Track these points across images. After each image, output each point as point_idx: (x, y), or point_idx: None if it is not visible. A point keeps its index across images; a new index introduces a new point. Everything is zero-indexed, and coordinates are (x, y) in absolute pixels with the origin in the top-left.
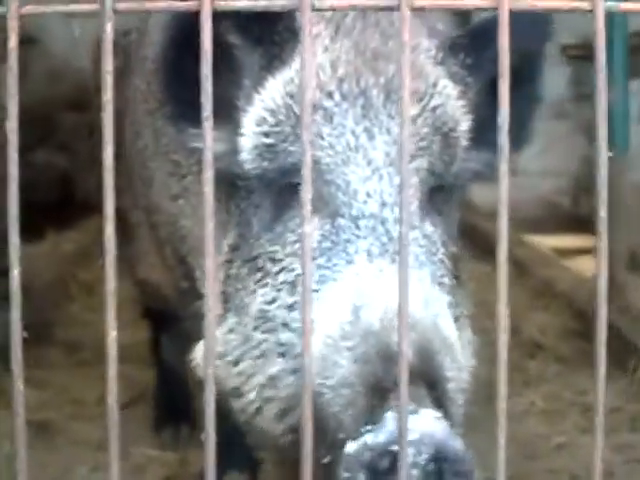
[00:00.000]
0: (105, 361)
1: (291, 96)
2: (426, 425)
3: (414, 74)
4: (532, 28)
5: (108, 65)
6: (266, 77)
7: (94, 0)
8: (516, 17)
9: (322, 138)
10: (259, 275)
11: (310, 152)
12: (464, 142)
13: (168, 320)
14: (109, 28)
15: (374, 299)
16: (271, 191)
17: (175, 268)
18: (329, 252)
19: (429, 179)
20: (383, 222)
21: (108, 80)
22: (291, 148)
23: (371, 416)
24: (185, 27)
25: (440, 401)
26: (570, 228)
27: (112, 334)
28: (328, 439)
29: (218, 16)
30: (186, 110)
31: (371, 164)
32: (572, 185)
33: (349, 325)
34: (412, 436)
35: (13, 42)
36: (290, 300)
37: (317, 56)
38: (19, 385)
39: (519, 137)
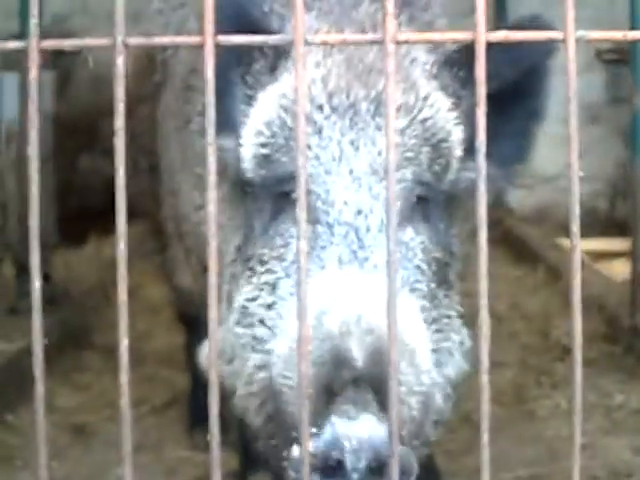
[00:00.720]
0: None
1: (285, 109)
2: (365, 431)
3: (406, 87)
4: (534, 44)
5: (120, 94)
6: (261, 90)
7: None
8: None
9: (309, 149)
10: (249, 274)
11: (304, 179)
12: (458, 152)
13: (201, 326)
14: (120, 61)
15: (337, 305)
16: (270, 197)
17: (199, 275)
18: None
19: (415, 188)
20: (356, 230)
21: (120, 108)
22: (284, 159)
23: (318, 419)
24: None
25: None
26: (607, 232)
27: (124, 342)
28: (285, 435)
29: None
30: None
31: (352, 174)
32: (609, 189)
33: (313, 328)
34: (350, 442)
35: (34, 73)
36: (269, 299)
37: (308, 70)
38: (40, 387)
39: (518, 150)
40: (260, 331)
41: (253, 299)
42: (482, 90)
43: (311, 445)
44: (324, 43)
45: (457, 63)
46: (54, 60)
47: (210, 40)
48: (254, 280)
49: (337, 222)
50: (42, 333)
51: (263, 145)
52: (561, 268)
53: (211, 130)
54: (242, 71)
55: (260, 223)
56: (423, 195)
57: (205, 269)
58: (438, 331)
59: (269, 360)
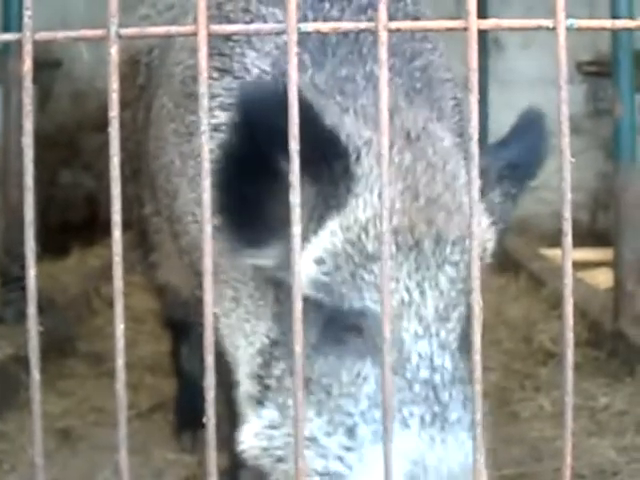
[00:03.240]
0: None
1: (352, 244)
2: None
3: (458, 218)
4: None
5: (114, 85)
6: (324, 217)
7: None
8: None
9: (379, 290)
10: (312, 399)
11: (296, 153)
12: (488, 252)
13: (188, 330)
14: (114, 51)
15: (428, 469)
16: (323, 315)
17: (191, 276)
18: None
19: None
20: (434, 388)
21: (114, 98)
22: (349, 292)
23: None
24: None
25: None
26: (588, 242)
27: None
28: None
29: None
30: (241, 231)
31: (422, 321)
32: (590, 200)
33: None
34: None
35: (27, 65)
36: (348, 443)
37: (374, 202)
38: (35, 386)
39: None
40: (336, 466)
41: (327, 434)
42: (474, 77)
43: None
44: (317, 31)
45: (502, 178)
46: (34, 75)
47: (203, 30)
48: (325, 414)
49: (415, 378)
50: (37, 323)
51: (325, 274)
52: (543, 276)
53: (205, 120)
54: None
55: (309, 338)
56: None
57: (197, 272)
58: None
59: None
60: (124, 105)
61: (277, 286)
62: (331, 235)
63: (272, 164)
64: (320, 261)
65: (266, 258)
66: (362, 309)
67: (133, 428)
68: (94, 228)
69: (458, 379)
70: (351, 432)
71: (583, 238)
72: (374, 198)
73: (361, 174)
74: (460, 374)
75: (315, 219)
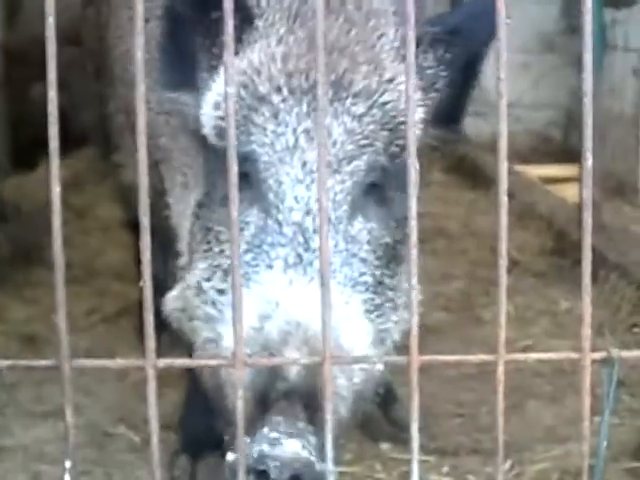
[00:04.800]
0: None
1: (244, 86)
2: (289, 454)
3: (369, 69)
4: (486, 31)
5: None
6: (220, 63)
7: None
8: (467, 23)
9: (266, 135)
10: (206, 247)
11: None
12: (417, 131)
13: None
14: None
15: (280, 310)
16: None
17: (151, 169)
18: (256, 250)
19: (369, 175)
20: (304, 231)
21: None
22: (240, 136)
23: (251, 427)
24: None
25: (314, 418)
26: (560, 159)
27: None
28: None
29: None
30: (174, 70)
31: (305, 167)
32: (563, 117)
33: (255, 331)
34: (274, 463)
35: None
36: (221, 286)
37: (270, 47)
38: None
39: (457, 114)
40: (212, 312)
41: (208, 279)
42: (411, 20)
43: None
44: None
45: (437, 42)
46: None
47: None
48: (209, 260)
49: (286, 222)
50: None
51: (222, 118)
52: (512, 191)
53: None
54: (208, 42)
55: (221, 189)
56: (378, 180)
57: (155, 164)
58: (380, 316)
59: (218, 339)
60: (88, 2)
61: (206, 149)
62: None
63: (205, 21)
64: (217, 106)
65: (188, 94)
66: (249, 153)
67: (98, 332)
68: (64, 142)
69: (341, 232)
70: (225, 275)
71: (556, 155)
72: (270, 43)
73: (257, 22)
74: (345, 229)
75: (214, 66)
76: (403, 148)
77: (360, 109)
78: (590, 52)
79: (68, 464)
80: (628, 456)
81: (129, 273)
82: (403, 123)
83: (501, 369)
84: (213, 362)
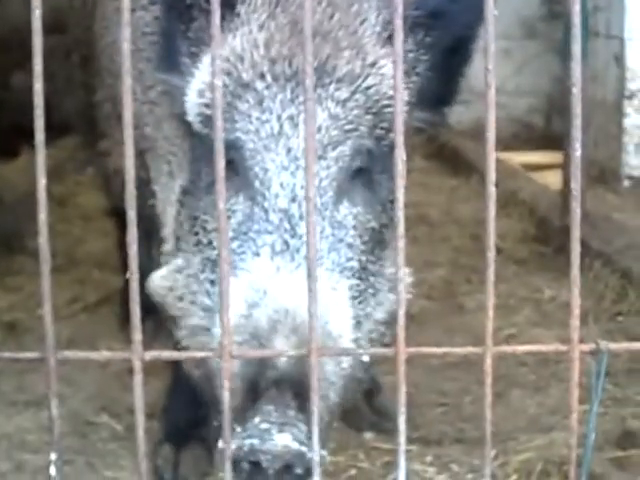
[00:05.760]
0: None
1: (227, 74)
2: (280, 446)
3: (352, 54)
4: (469, 15)
5: None
6: (203, 51)
7: None
8: (449, 6)
9: (250, 122)
10: (194, 239)
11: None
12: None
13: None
14: None
15: (268, 298)
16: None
17: (136, 158)
18: (243, 237)
19: (355, 159)
20: (290, 218)
21: None
22: (224, 124)
23: (242, 416)
24: None
25: (304, 406)
26: (543, 145)
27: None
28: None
29: None
30: (168, 55)
31: (290, 153)
32: (545, 103)
33: (243, 319)
34: (265, 457)
35: None
36: (212, 277)
37: (253, 33)
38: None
39: (447, 98)
40: (205, 301)
41: (195, 267)
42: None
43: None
44: None
45: (418, 26)
46: None
47: None
48: (199, 254)
49: (272, 209)
50: None
51: (207, 105)
52: (496, 178)
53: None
54: (184, 27)
55: (205, 178)
56: (364, 164)
57: (140, 153)
58: (362, 302)
59: (209, 326)
60: (73, 9)
61: (191, 136)
62: (208, 68)
63: (179, 6)
64: (202, 94)
65: (177, 78)
66: (234, 141)
67: (80, 321)
68: (47, 130)
69: (327, 217)
70: (213, 265)
71: (538, 142)
72: (252, 29)
73: (239, 8)
74: (331, 215)
75: (194, 52)
76: (388, 130)
77: (344, 94)
78: (579, 42)
79: (54, 456)
80: (612, 445)
81: (110, 261)
82: (387, 106)
83: (489, 361)
84: (200, 354)
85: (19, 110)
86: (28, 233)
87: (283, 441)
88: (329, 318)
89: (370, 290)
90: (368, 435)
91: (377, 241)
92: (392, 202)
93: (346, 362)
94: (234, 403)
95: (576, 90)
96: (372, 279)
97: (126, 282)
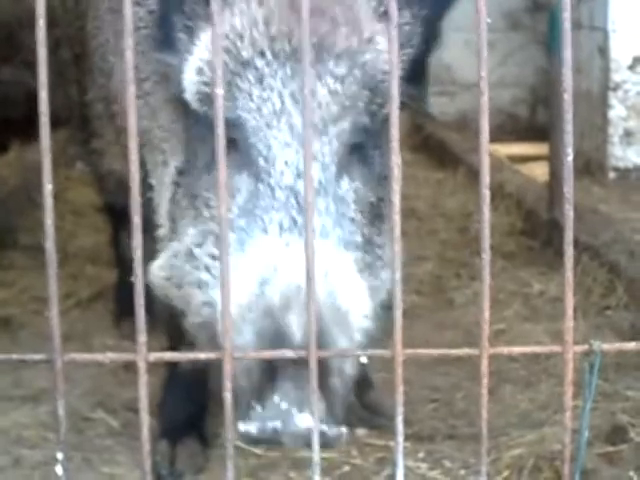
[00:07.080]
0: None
1: (227, 51)
2: (299, 430)
3: (348, 30)
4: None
5: None
6: (201, 27)
7: None
8: None
9: (252, 100)
10: (194, 214)
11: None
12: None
13: (128, 218)
14: None
15: (279, 275)
16: (213, 135)
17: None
18: (249, 215)
19: (353, 135)
20: (296, 195)
21: None
22: (225, 102)
23: (259, 395)
24: None
25: (322, 382)
26: (527, 137)
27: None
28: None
29: None
30: (163, 39)
31: (293, 130)
32: (529, 95)
33: (255, 297)
34: (287, 439)
35: None
36: (215, 250)
37: (251, 9)
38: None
39: (418, 77)
40: (206, 277)
41: (199, 245)
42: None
43: (250, 428)
44: None
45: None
46: None
47: None
48: (200, 225)
49: (278, 185)
50: None
51: (205, 83)
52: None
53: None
54: (178, 1)
55: (203, 156)
56: (361, 140)
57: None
58: (371, 274)
59: (214, 302)
60: (63, 3)
61: (187, 115)
62: (207, 44)
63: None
64: (200, 71)
65: (173, 56)
66: (235, 119)
67: (73, 316)
68: (34, 124)
69: (331, 193)
70: (216, 240)
71: (522, 133)
72: (249, 5)
73: None
74: (334, 190)
75: (189, 27)
76: (382, 106)
77: (342, 70)
78: (569, 49)
79: (60, 455)
80: (602, 440)
81: (103, 256)
82: (382, 82)
83: (485, 362)
84: (202, 356)
85: (7, 104)
86: (20, 228)
87: (304, 423)
88: (337, 294)
89: (378, 263)
90: (361, 431)
91: (376, 215)
92: (386, 178)
93: (358, 335)
94: (251, 381)
95: (567, 96)
96: (378, 251)
97: (119, 277)
